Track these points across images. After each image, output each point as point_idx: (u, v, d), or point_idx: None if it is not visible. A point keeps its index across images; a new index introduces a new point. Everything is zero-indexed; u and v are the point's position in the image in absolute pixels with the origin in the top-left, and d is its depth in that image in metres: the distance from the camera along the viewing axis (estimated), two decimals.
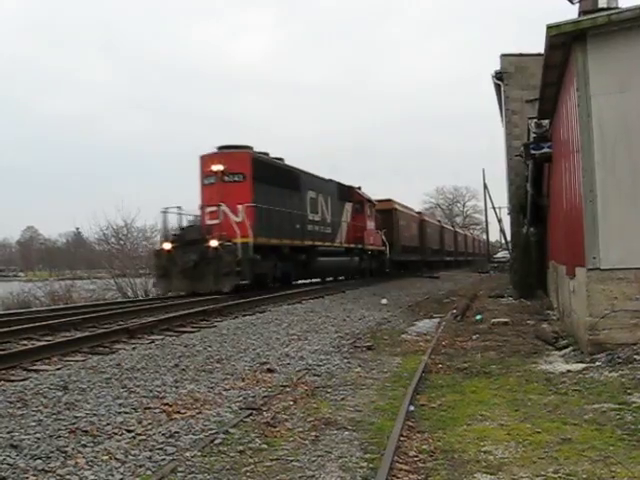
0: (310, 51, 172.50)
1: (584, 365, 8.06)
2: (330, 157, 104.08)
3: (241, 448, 5.03)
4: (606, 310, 8.29)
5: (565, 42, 8.94)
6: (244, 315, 14.10)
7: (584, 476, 4.35)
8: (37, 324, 10.95)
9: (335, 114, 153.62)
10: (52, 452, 4.79)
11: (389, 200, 36.49)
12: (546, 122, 13.88)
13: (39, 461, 4.61)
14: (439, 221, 58.25)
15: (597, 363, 8.00)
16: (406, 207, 44.33)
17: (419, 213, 49.13)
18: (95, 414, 5.82)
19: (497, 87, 22.94)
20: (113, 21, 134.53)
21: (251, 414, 6.02)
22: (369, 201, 31.49)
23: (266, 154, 21.01)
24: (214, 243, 17.10)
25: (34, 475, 4.42)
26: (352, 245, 28.03)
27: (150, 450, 4.94)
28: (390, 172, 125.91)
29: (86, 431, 5.32)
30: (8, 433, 5.18)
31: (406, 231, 40.86)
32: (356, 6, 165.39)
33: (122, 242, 34.08)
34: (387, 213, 35.34)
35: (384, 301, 19.21)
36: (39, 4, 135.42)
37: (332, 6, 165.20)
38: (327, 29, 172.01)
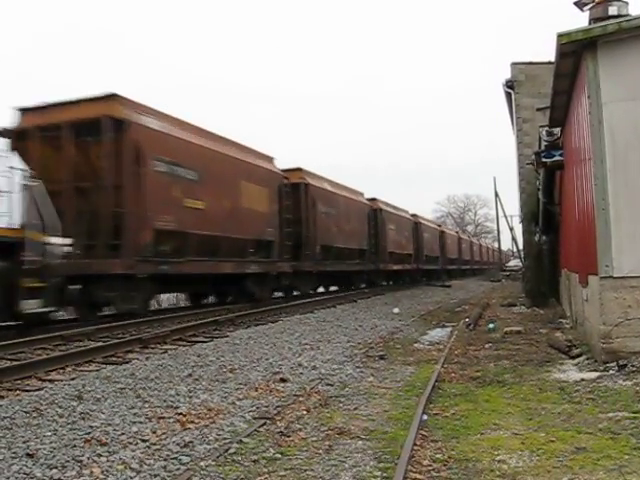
0: (317, 61, 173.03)
1: (598, 374, 8.02)
2: (339, 167, 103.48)
3: (255, 457, 5.04)
4: (619, 318, 8.26)
5: (576, 50, 8.94)
6: (256, 325, 14.17)
7: None
8: (51, 334, 11.02)
9: (341, 124, 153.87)
10: (68, 461, 4.81)
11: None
12: (557, 130, 13.87)
13: (55, 470, 4.63)
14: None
15: (611, 371, 7.96)
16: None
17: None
18: (110, 424, 5.86)
19: (508, 95, 22.94)
20: (117, 26, 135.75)
21: (265, 424, 6.02)
22: None
23: None
24: None
25: None
26: None
27: (165, 459, 4.95)
28: (400, 181, 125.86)
29: (101, 440, 5.35)
30: (24, 442, 5.23)
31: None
32: (360, 13, 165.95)
33: None
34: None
35: (396, 310, 19.18)
36: None
37: (335, 16, 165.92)
38: (333, 41, 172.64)
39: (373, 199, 32.94)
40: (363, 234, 30.06)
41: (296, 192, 22.93)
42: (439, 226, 50.77)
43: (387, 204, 35.00)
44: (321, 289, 29.01)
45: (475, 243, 68.65)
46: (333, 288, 30.41)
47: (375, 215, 32.21)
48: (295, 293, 23.92)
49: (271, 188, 20.90)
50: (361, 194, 31.33)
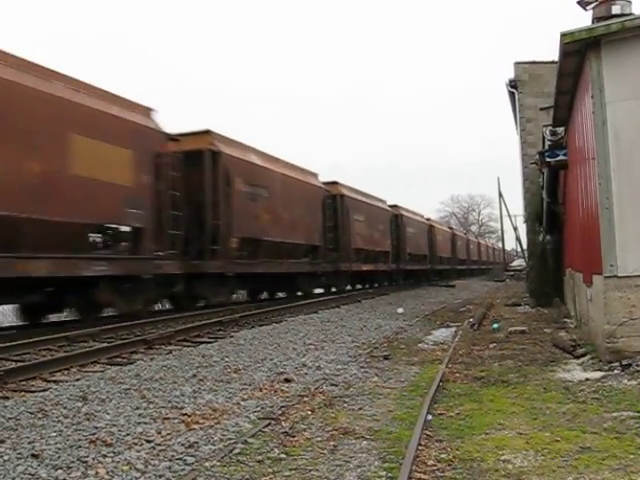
0: (317, 62, 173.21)
1: (602, 373, 8.01)
2: (340, 168, 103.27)
3: (260, 458, 5.05)
4: (624, 318, 8.24)
5: (579, 49, 8.93)
6: (261, 325, 14.17)
7: None
8: (55, 335, 11.03)
9: (346, 125, 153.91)
10: (73, 462, 4.83)
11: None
12: (561, 129, 13.85)
13: (60, 471, 4.65)
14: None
15: (615, 371, 7.94)
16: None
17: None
18: (115, 424, 5.87)
19: (511, 95, 22.91)
20: (115, 26, 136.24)
21: (269, 424, 6.03)
22: None
23: None
24: None
25: None
26: None
27: (170, 460, 4.96)
28: (404, 181, 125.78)
29: (106, 441, 5.37)
30: (29, 443, 5.24)
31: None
32: (361, 14, 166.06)
33: None
34: None
35: (400, 310, 19.17)
36: None
37: (335, 16, 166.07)
38: (333, 41, 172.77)
39: (333, 182, 26.76)
40: (315, 226, 23.80)
41: (197, 162, 16.52)
42: (427, 220, 45.03)
43: (354, 190, 29.01)
44: (264, 296, 23.80)
45: (473, 241, 66.81)
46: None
47: (335, 202, 26.00)
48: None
49: (140, 151, 14.23)
50: (314, 175, 25.03)
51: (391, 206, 34.74)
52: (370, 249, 29.68)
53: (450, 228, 55.64)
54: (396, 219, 34.58)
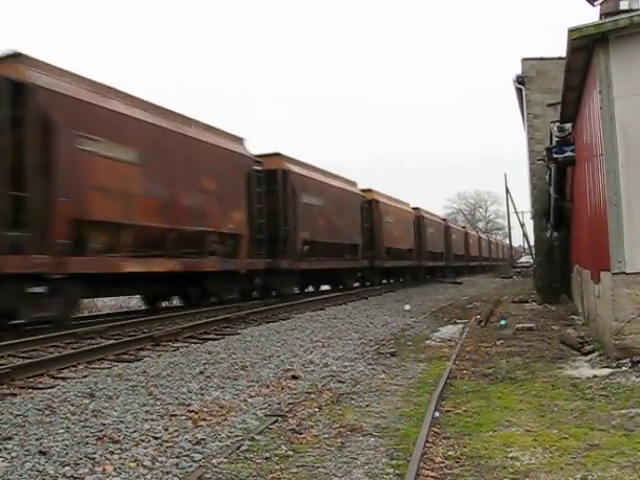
0: (318, 60, 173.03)
1: (610, 370, 7.97)
2: (345, 166, 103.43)
3: (267, 455, 5.05)
4: (632, 315, 8.20)
5: (587, 45, 8.88)
6: (267, 322, 14.17)
7: None
8: (63, 332, 11.06)
9: (348, 123, 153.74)
10: (80, 459, 4.84)
11: None
12: (568, 126, 13.78)
13: (68, 468, 4.66)
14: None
15: (623, 368, 7.91)
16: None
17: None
18: (122, 421, 5.88)
19: (518, 91, 22.82)
20: (127, 26, 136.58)
21: (276, 421, 6.03)
22: None
23: None
24: None
25: None
26: None
27: (177, 457, 4.97)
28: (409, 179, 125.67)
29: (113, 438, 5.37)
30: (37, 440, 5.25)
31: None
32: (363, 13, 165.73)
33: None
34: None
35: (407, 307, 19.16)
36: None
37: (338, 14, 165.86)
38: (336, 39, 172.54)
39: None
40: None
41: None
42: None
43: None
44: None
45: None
46: None
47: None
48: None
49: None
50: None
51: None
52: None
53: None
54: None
